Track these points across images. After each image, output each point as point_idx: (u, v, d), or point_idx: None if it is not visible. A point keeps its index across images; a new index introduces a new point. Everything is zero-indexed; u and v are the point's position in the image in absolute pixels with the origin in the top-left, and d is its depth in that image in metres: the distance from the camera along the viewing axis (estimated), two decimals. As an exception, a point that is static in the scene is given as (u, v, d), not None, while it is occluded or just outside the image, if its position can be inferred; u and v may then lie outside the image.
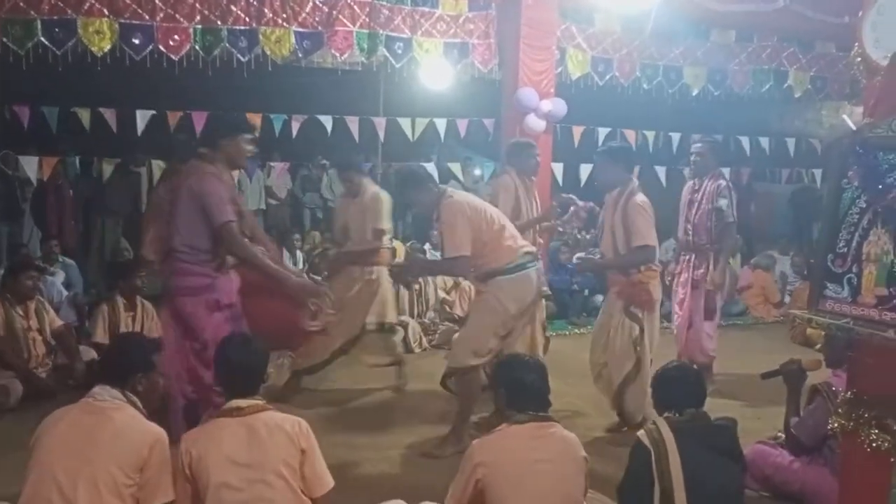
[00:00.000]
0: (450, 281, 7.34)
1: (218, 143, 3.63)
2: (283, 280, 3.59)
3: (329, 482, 2.71)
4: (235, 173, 8.88)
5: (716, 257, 5.32)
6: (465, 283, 6.80)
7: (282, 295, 3.60)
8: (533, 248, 4.37)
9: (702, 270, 5.34)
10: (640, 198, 4.35)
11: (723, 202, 5.26)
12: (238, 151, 3.67)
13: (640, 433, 2.77)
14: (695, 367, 3.46)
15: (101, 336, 5.54)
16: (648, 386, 4.24)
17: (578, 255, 4.79)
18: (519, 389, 2.76)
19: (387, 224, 5.19)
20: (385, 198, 5.22)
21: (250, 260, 3.57)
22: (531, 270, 4.19)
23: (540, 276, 4.33)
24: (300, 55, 6.46)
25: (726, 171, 5.97)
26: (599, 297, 8.18)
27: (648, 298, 4.34)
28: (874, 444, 2.31)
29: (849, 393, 2.46)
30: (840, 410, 2.45)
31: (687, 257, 5.44)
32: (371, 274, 5.15)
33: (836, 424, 2.46)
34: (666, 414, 2.81)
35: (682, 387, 2.86)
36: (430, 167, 9.40)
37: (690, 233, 5.37)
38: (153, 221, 3.97)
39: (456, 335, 5.75)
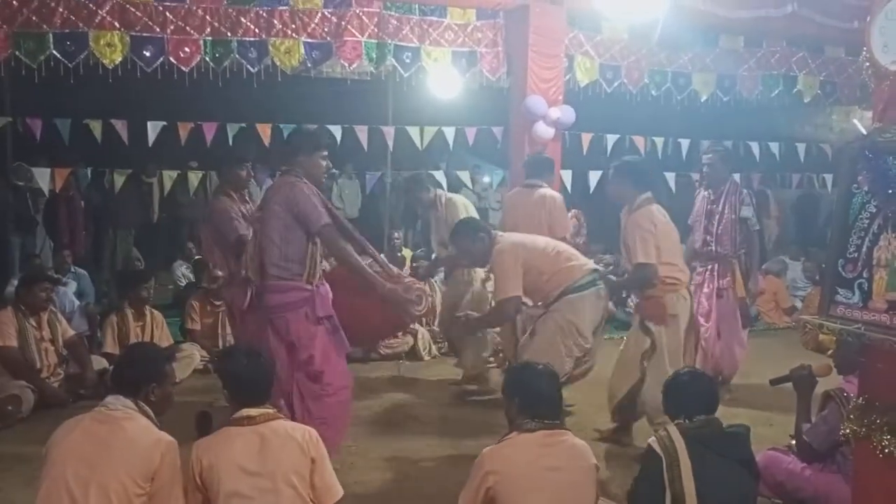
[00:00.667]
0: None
1: (297, 159, 3.75)
2: (377, 286, 3.69)
3: (338, 492, 2.72)
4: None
5: (743, 266, 5.29)
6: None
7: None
8: (596, 266, 4.38)
9: (727, 279, 5.28)
10: (642, 214, 4.19)
11: (747, 211, 5.24)
12: (316, 168, 3.79)
13: (652, 440, 2.76)
14: (708, 374, 3.44)
15: (112, 346, 5.59)
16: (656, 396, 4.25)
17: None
18: (531, 397, 2.76)
19: None
20: (459, 203, 5.51)
21: (347, 262, 3.71)
22: (600, 288, 4.20)
23: (606, 297, 4.31)
24: (309, 65, 6.50)
25: (736, 177, 5.93)
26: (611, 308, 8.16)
27: (661, 312, 4.19)
28: (886, 450, 2.29)
29: (860, 399, 2.45)
30: (852, 416, 2.43)
31: (709, 267, 5.36)
32: (464, 276, 5.44)
33: (847, 430, 2.44)
34: (677, 421, 2.80)
35: (693, 393, 2.85)
36: (439, 175, 9.46)
37: (712, 243, 5.30)
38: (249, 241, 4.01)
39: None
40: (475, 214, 5.47)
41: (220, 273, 4.82)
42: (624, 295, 7.67)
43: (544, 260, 4.17)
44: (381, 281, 3.74)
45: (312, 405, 3.69)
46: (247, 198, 4.95)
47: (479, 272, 5.44)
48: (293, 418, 3.46)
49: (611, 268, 4.90)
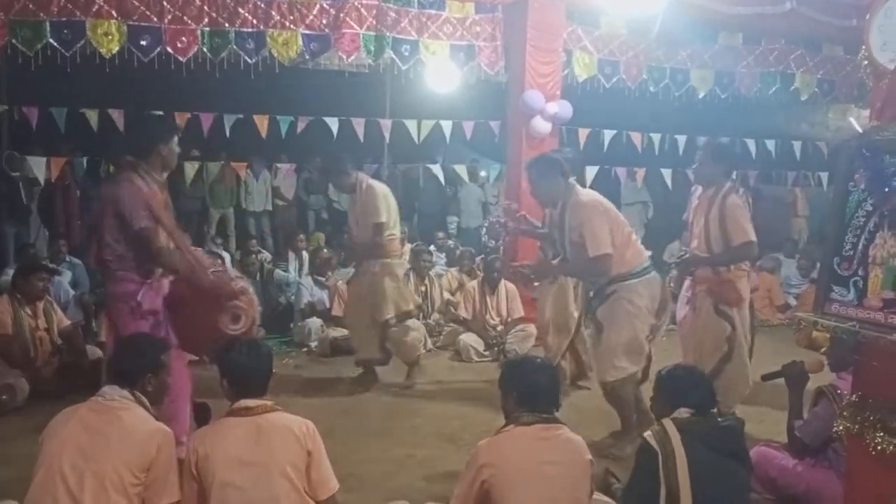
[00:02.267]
0: (455, 282, 7.35)
1: (156, 148, 3.63)
2: (200, 279, 3.54)
3: (334, 485, 2.73)
4: (242, 173, 8.96)
5: None
6: (470, 285, 6.82)
7: (204, 302, 3.55)
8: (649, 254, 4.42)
9: None
10: (737, 198, 4.39)
11: None
12: (172, 154, 3.72)
13: (647, 434, 2.77)
14: (702, 369, 3.46)
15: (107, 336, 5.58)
16: (742, 378, 4.37)
17: (682, 250, 4.81)
18: (529, 391, 2.76)
19: (384, 217, 5.15)
20: (379, 190, 5.23)
21: (166, 264, 3.57)
22: (656, 273, 4.25)
23: (662, 281, 4.36)
24: (307, 57, 6.50)
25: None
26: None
27: (738, 296, 4.40)
28: (879, 447, 2.31)
29: (854, 396, 2.46)
30: (845, 413, 2.45)
31: None
32: (374, 266, 5.23)
33: (841, 427, 2.45)
34: (673, 415, 2.80)
35: (688, 387, 2.86)
36: (436, 169, 9.44)
37: None
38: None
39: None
40: (394, 204, 5.30)
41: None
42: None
43: (618, 229, 4.14)
44: (205, 274, 3.57)
45: None
46: None
47: (395, 262, 5.30)
48: None
49: None
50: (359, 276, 5.45)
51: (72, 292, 6.51)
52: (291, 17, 6.20)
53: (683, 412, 2.76)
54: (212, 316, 3.55)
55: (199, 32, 5.98)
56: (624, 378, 4.12)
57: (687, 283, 5.42)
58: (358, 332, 5.48)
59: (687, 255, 4.56)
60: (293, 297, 7.15)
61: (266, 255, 8.46)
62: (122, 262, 3.56)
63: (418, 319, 5.76)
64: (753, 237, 4.29)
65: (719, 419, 2.89)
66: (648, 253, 4.34)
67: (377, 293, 5.23)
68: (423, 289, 7.04)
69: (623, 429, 4.23)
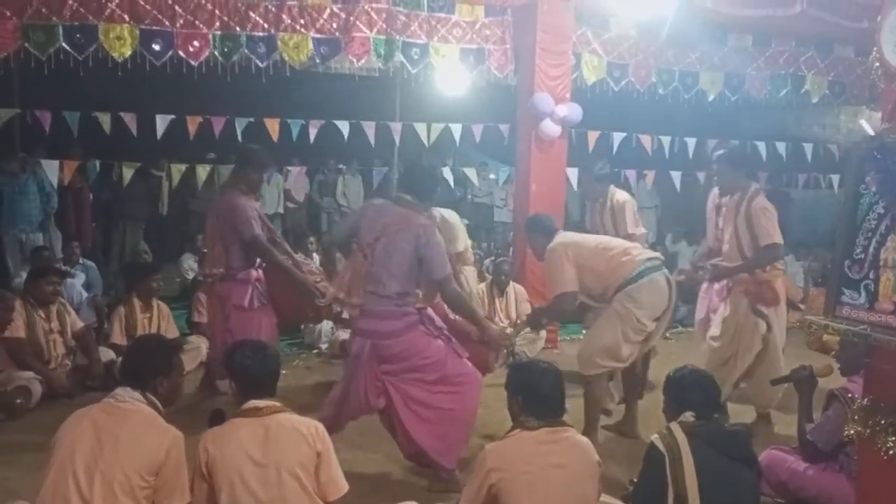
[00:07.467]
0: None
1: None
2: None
3: (343, 486, 2.74)
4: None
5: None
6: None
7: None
8: (656, 254, 4.44)
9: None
10: (763, 201, 4.49)
11: None
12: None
13: (654, 437, 2.77)
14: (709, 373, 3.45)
15: (119, 338, 5.62)
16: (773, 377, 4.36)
17: (712, 261, 4.86)
18: (533, 395, 2.76)
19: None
20: (455, 221, 5.76)
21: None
22: (657, 275, 4.24)
23: (671, 282, 4.36)
24: (318, 61, 6.51)
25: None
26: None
27: (774, 296, 4.52)
28: (891, 451, 2.29)
29: (865, 400, 2.45)
30: (856, 417, 2.44)
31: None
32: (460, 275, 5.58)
33: (852, 431, 2.44)
34: (680, 419, 2.80)
35: (695, 392, 2.86)
36: (446, 172, 9.45)
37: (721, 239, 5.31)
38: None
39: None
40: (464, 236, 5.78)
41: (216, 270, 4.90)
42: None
43: (597, 259, 4.26)
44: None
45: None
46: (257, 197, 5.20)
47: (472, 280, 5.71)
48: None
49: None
50: None
51: (85, 294, 6.55)
52: (302, 21, 6.22)
53: (689, 415, 2.76)
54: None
55: (210, 36, 6.02)
56: (595, 374, 4.25)
57: (707, 285, 5.40)
58: None
59: (714, 267, 4.73)
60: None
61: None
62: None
63: None
64: (777, 239, 4.41)
65: (727, 424, 2.89)
66: (647, 255, 4.31)
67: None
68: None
69: (584, 429, 4.19)
